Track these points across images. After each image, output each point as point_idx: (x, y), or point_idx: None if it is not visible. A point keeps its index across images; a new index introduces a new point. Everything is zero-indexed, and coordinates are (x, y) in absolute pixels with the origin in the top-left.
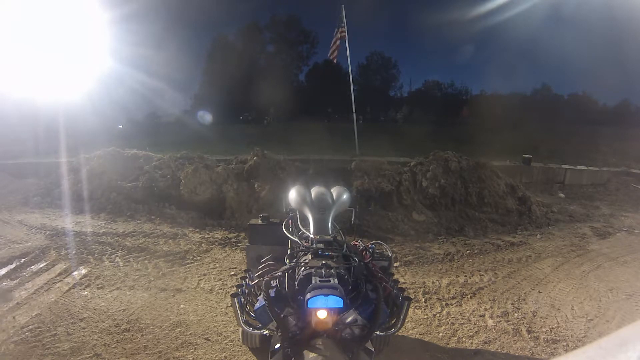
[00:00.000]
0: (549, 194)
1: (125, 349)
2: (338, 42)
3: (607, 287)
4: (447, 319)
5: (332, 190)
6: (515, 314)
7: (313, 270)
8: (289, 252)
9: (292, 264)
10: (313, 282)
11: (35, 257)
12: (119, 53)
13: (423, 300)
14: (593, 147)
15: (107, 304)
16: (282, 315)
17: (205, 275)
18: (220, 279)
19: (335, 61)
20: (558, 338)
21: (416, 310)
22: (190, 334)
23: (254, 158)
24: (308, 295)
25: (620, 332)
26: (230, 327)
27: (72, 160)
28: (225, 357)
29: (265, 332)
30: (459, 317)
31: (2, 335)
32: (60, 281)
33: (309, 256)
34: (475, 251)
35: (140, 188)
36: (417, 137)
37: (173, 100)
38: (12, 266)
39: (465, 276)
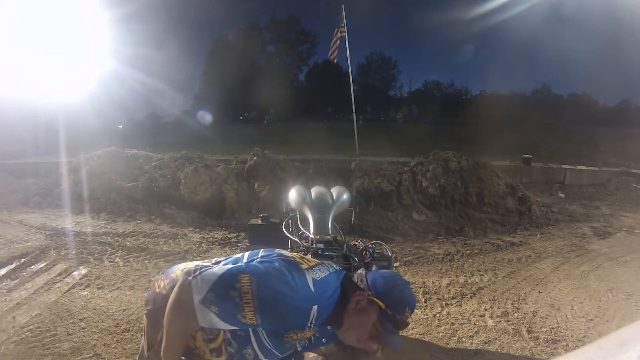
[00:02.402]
0: (549, 194)
1: (125, 349)
2: (338, 42)
3: (607, 287)
4: (447, 319)
5: (332, 190)
6: (515, 314)
7: None
8: None
9: None
10: None
11: (35, 257)
12: (119, 53)
13: (423, 300)
14: (593, 147)
15: (107, 304)
16: None
17: None
18: None
19: (335, 61)
20: (558, 338)
21: (416, 310)
22: None
23: (254, 158)
24: None
25: (620, 332)
26: None
27: (72, 160)
28: None
29: None
30: (459, 317)
31: (2, 335)
32: (60, 281)
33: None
34: (475, 251)
35: (140, 188)
36: (417, 136)
37: (173, 100)
38: (12, 266)
39: (465, 276)
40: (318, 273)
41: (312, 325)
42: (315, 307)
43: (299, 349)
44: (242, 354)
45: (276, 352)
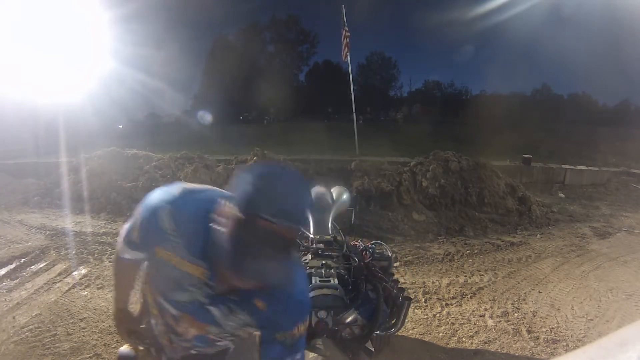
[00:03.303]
0: (549, 194)
1: None
2: (346, 40)
3: (607, 287)
4: (447, 319)
5: (332, 190)
6: (515, 314)
7: (313, 270)
8: None
9: None
10: (313, 282)
11: (35, 257)
12: (119, 53)
13: (423, 300)
14: (593, 147)
15: (107, 304)
16: None
17: None
18: None
19: (345, 59)
20: (558, 338)
21: (416, 310)
22: None
23: (254, 158)
24: None
25: (620, 332)
26: None
27: (72, 160)
28: None
29: None
30: (459, 317)
31: (2, 335)
32: (60, 281)
33: (309, 256)
34: (475, 251)
35: (140, 188)
36: (417, 136)
37: (173, 100)
38: (12, 266)
39: (465, 276)
40: (201, 186)
41: (173, 236)
42: (168, 208)
43: (202, 299)
44: None
45: (165, 291)
